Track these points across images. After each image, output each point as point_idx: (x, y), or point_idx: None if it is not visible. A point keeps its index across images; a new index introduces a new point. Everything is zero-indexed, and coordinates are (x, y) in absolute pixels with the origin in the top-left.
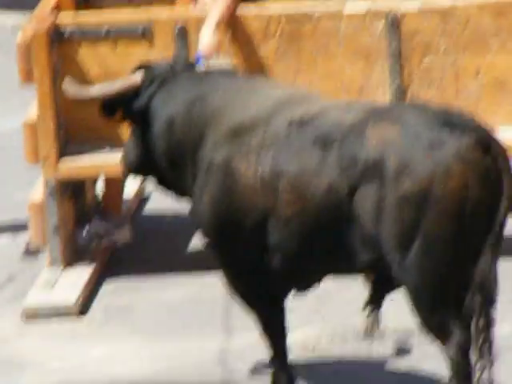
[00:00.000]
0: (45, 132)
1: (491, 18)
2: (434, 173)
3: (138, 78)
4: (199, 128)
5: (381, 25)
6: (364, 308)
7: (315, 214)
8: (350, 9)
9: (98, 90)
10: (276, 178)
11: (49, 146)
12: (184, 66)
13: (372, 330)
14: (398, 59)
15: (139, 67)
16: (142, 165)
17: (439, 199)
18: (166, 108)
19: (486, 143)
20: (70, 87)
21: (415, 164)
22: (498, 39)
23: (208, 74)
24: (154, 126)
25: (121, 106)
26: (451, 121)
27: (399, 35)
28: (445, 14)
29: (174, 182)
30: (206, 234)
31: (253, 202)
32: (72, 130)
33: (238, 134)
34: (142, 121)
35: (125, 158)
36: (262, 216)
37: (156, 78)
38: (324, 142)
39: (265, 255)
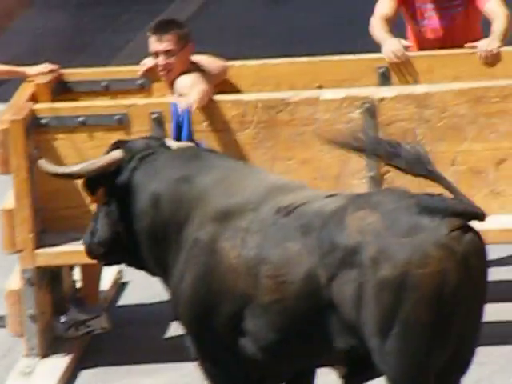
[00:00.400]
0: (21, 220)
1: (468, 105)
2: (411, 259)
3: (118, 154)
4: (186, 208)
5: (357, 112)
6: None
7: (294, 302)
8: (326, 95)
9: (81, 166)
10: (258, 264)
11: (26, 234)
12: (160, 143)
13: None
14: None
15: (115, 144)
16: (113, 243)
17: (416, 285)
18: (151, 184)
19: (463, 232)
20: (51, 165)
21: (393, 250)
22: (474, 127)
23: (196, 153)
24: (136, 201)
25: (103, 182)
26: (430, 206)
27: (375, 122)
28: (421, 102)
29: (151, 261)
30: (183, 313)
31: (234, 285)
32: (49, 218)
33: (226, 216)
34: (122, 197)
35: (91, 236)
36: (240, 301)
37: (135, 153)
38: (306, 230)
39: (240, 342)
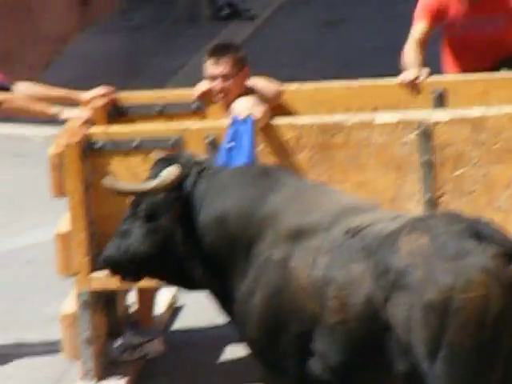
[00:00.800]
0: (77, 244)
1: None
2: (456, 283)
3: (175, 171)
4: (257, 226)
5: (412, 135)
6: None
7: (357, 323)
8: (381, 118)
9: (155, 183)
10: (326, 285)
11: (81, 257)
12: (193, 159)
13: None
14: (430, 170)
15: (160, 161)
16: (152, 259)
17: (461, 309)
18: (218, 201)
19: (510, 256)
20: (120, 183)
21: (439, 273)
22: None
23: (264, 170)
24: (198, 217)
25: (148, 199)
26: (479, 232)
27: (431, 145)
28: (476, 125)
29: (205, 277)
30: (251, 330)
31: (303, 304)
32: (104, 241)
33: (299, 235)
34: (182, 211)
35: (119, 251)
36: (309, 321)
37: (190, 168)
38: (367, 253)
39: (307, 362)
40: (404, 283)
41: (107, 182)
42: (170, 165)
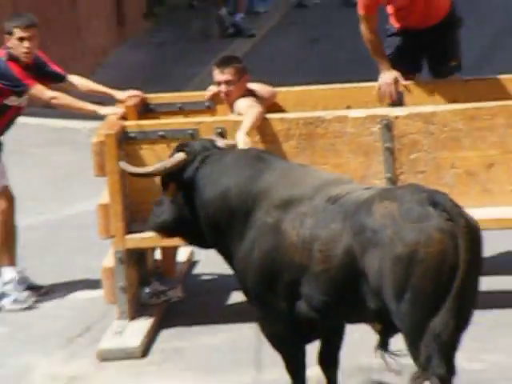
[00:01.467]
0: (114, 213)
1: (463, 121)
2: (419, 239)
3: (182, 156)
4: (254, 198)
5: (377, 127)
6: (375, 350)
7: (337, 271)
8: (353, 114)
9: (155, 167)
10: (312, 241)
11: (117, 223)
12: (213, 144)
13: (387, 366)
14: (391, 154)
15: (178, 147)
16: (176, 224)
17: (423, 260)
18: (220, 180)
19: (460, 218)
20: (131, 167)
21: (406, 232)
22: (469, 139)
23: (258, 155)
24: (202, 193)
25: (173, 179)
26: (435, 201)
27: (391, 135)
28: (427, 119)
29: (211, 239)
30: (250, 282)
31: (293, 257)
32: (135, 210)
33: (289, 204)
34: (188, 189)
35: (158, 219)
36: (298, 270)
37: (197, 155)
38: (345, 215)
39: (296, 304)
40: (377, 240)
41: (121, 165)
42: (179, 151)
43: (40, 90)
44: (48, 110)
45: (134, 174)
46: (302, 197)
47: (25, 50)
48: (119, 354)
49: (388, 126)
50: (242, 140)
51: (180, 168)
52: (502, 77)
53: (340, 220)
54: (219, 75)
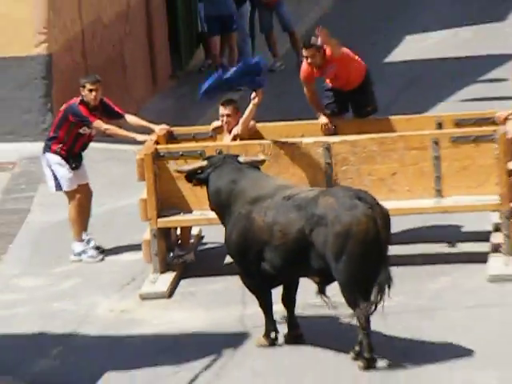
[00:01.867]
0: (150, 204)
1: (377, 145)
2: (351, 222)
3: (203, 163)
4: (234, 196)
5: (321, 149)
6: (316, 294)
7: (292, 243)
8: (305, 141)
9: (185, 168)
10: (273, 225)
11: (152, 211)
12: (229, 158)
13: (327, 304)
14: (330, 167)
15: (206, 158)
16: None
17: (354, 234)
18: (217, 182)
19: (377, 207)
20: (175, 166)
21: (342, 217)
22: (380, 156)
23: (240, 167)
24: (209, 189)
25: (194, 176)
26: (360, 196)
27: (330, 155)
28: (352, 144)
29: (219, 216)
30: (232, 251)
31: (259, 236)
32: (164, 202)
33: (256, 200)
34: (206, 186)
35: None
36: (263, 244)
37: (212, 164)
38: (298, 207)
39: (262, 265)
40: (323, 222)
41: (175, 167)
42: (204, 160)
43: (98, 124)
44: (107, 137)
45: (176, 171)
46: (266, 196)
47: (92, 98)
48: (153, 295)
49: (328, 148)
50: (228, 140)
51: (199, 171)
52: (399, 117)
53: (295, 211)
54: (223, 110)
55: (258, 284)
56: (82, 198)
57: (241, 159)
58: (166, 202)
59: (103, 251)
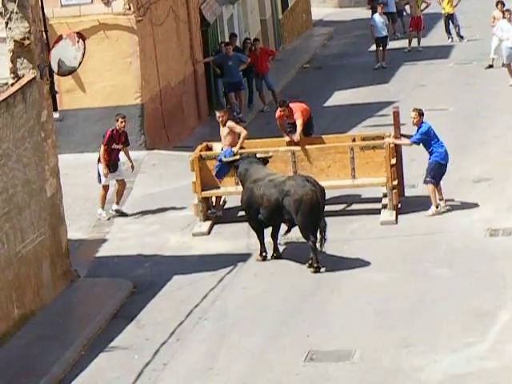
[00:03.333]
0: (197, 184)
1: (318, 152)
2: (303, 194)
3: (237, 157)
4: (246, 177)
5: (289, 153)
6: (284, 234)
7: (273, 205)
8: (281, 149)
9: (229, 159)
10: (263, 195)
11: (198, 187)
12: (251, 156)
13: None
14: (294, 164)
15: (241, 155)
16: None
17: (305, 201)
18: (240, 169)
19: (317, 184)
20: (225, 159)
21: (298, 191)
22: (321, 157)
23: (252, 161)
24: (238, 172)
25: (232, 164)
26: (308, 179)
27: (294, 156)
28: (305, 151)
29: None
30: (244, 206)
31: (256, 201)
32: (204, 183)
33: (255, 181)
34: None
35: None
36: (258, 205)
37: (241, 158)
38: (276, 185)
39: (258, 216)
40: (288, 194)
41: (224, 159)
42: (239, 156)
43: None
44: (176, 148)
45: (225, 161)
46: (260, 179)
47: (120, 127)
48: (200, 234)
49: (293, 153)
50: (237, 149)
51: (236, 162)
52: (331, 136)
53: (274, 188)
54: (218, 113)
55: (256, 226)
56: (105, 189)
57: (258, 155)
58: (205, 182)
59: (108, 217)
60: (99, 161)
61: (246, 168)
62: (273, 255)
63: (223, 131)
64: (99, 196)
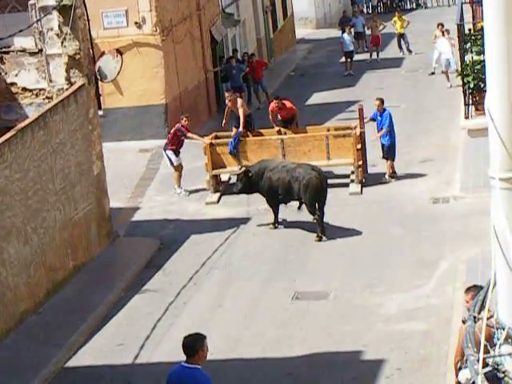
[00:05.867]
0: (209, 164)
1: (303, 138)
2: (310, 179)
3: (243, 170)
4: (264, 169)
5: (279, 141)
6: (297, 209)
7: (286, 187)
8: (273, 138)
9: (238, 172)
10: (278, 179)
11: (210, 167)
12: (261, 163)
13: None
14: (283, 149)
15: (260, 162)
16: (244, 188)
17: (312, 186)
18: (255, 167)
19: (321, 172)
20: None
21: (305, 177)
22: (304, 143)
23: (266, 160)
24: (252, 170)
25: (243, 176)
26: (314, 167)
27: (284, 144)
28: (291, 138)
29: (255, 187)
30: (265, 193)
31: (276, 184)
32: (214, 164)
33: (272, 169)
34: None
35: (237, 186)
36: (276, 187)
37: (259, 163)
38: (288, 171)
39: (275, 195)
40: (298, 179)
41: (236, 172)
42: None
43: (189, 134)
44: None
45: (236, 174)
46: (275, 167)
47: (185, 123)
48: (211, 202)
49: (282, 140)
50: (242, 129)
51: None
52: (312, 127)
53: (286, 173)
54: (227, 94)
55: (274, 205)
56: (179, 168)
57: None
58: (215, 163)
59: (189, 193)
60: (166, 149)
61: (258, 168)
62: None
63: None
64: (175, 176)
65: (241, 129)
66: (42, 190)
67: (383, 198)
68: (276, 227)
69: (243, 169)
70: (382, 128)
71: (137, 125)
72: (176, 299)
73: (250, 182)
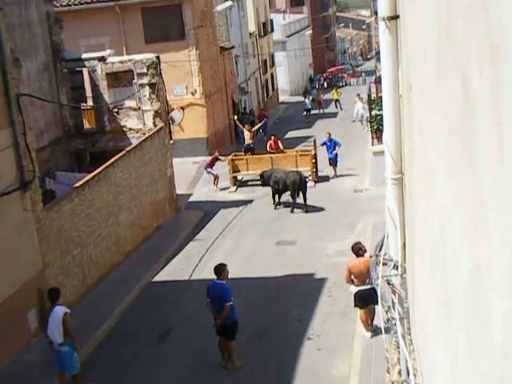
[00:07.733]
0: (230, 170)
1: (283, 157)
2: (294, 179)
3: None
4: (271, 174)
5: (270, 158)
6: (290, 196)
7: (283, 183)
8: (265, 155)
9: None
10: (280, 178)
11: (231, 172)
12: (268, 171)
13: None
14: (272, 163)
15: (270, 169)
16: (263, 180)
17: (294, 182)
18: (264, 173)
19: (302, 175)
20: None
21: (292, 177)
22: (285, 159)
23: (275, 169)
24: (265, 178)
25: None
26: (297, 171)
27: (272, 159)
28: (278, 156)
29: (269, 181)
30: (271, 182)
31: (277, 180)
32: (233, 170)
33: (276, 173)
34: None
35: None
36: (277, 182)
37: (269, 170)
38: (284, 173)
39: (276, 188)
40: (288, 179)
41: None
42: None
43: (220, 157)
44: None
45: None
46: (277, 172)
47: (217, 154)
48: (232, 192)
49: (271, 157)
50: (250, 139)
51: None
52: (288, 150)
53: (285, 175)
54: (247, 126)
55: (275, 193)
56: (216, 176)
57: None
58: (234, 169)
59: (220, 189)
60: (206, 167)
61: (268, 173)
62: (276, 205)
63: (246, 132)
64: (215, 180)
65: (249, 141)
66: (140, 184)
67: (326, 188)
68: (276, 207)
69: (259, 172)
70: (333, 148)
71: (191, 148)
72: (212, 245)
73: (263, 180)
